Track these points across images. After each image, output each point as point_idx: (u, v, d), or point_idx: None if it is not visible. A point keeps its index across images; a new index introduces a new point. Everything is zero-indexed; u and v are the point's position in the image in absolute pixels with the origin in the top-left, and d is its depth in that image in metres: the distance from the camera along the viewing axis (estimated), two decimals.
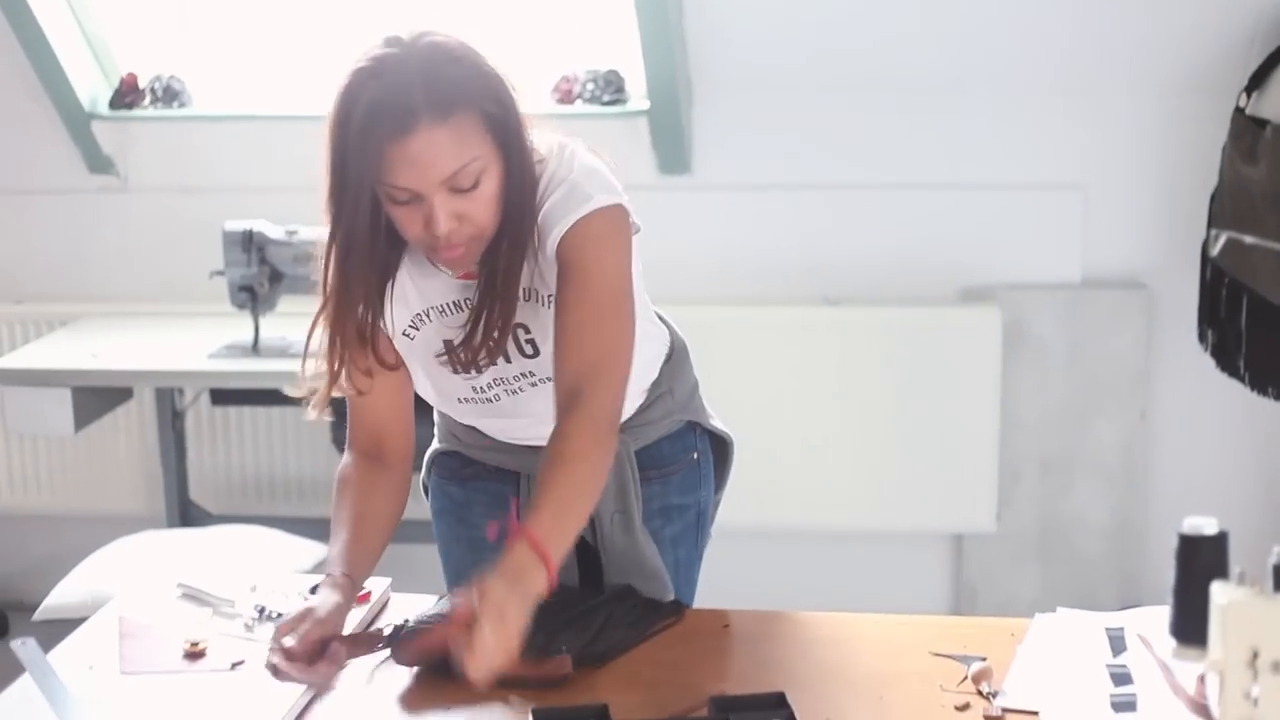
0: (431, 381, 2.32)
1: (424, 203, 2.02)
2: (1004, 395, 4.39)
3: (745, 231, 4.46)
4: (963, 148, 4.39)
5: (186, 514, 4.51)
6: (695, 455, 2.50)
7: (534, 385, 2.29)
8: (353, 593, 2.19)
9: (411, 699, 2.06)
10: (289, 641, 2.06)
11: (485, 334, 2.15)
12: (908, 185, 4.41)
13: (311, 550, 3.86)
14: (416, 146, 1.97)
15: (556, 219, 2.12)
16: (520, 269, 2.13)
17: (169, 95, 4.58)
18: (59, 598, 3.64)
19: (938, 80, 4.31)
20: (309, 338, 2.20)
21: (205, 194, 4.56)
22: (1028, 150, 4.38)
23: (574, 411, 2.09)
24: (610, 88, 4.38)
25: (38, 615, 3.60)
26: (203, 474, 4.70)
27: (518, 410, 2.32)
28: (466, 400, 2.33)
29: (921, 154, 4.39)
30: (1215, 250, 3.63)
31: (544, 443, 2.12)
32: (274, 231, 4.02)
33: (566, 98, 4.42)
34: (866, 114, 4.38)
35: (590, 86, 4.41)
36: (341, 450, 4.24)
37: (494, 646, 1.87)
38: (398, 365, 2.28)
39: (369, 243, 2.09)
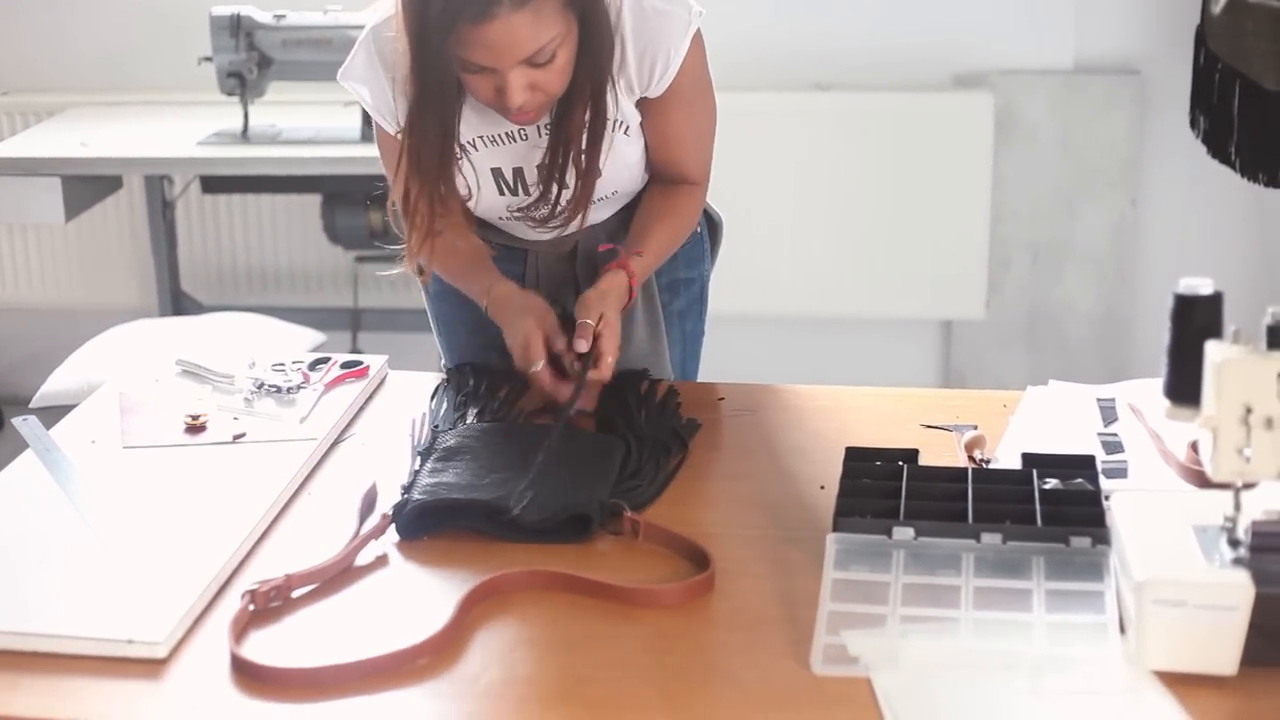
0: (477, 198, 2.32)
1: (497, 74, 2.01)
2: (995, 182, 4.38)
3: (737, 14, 4.40)
4: None
5: (178, 304, 4.52)
6: (698, 230, 2.52)
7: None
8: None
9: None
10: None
11: (558, 198, 2.22)
12: None
13: (306, 336, 3.87)
14: (494, 33, 1.95)
15: (663, 52, 2.17)
16: (603, 133, 2.17)
17: None
18: (55, 384, 3.64)
19: None
20: (401, 204, 2.21)
21: None
22: None
23: (687, 185, 2.38)
24: None
25: (34, 402, 3.59)
26: (194, 265, 4.69)
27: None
28: (507, 217, 2.34)
29: None
30: (1217, 8, 3.58)
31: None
32: (261, 15, 3.97)
33: None
34: None
35: None
36: (333, 240, 4.30)
37: (614, 346, 2.13)
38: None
39: (448, 98, 2.09)
